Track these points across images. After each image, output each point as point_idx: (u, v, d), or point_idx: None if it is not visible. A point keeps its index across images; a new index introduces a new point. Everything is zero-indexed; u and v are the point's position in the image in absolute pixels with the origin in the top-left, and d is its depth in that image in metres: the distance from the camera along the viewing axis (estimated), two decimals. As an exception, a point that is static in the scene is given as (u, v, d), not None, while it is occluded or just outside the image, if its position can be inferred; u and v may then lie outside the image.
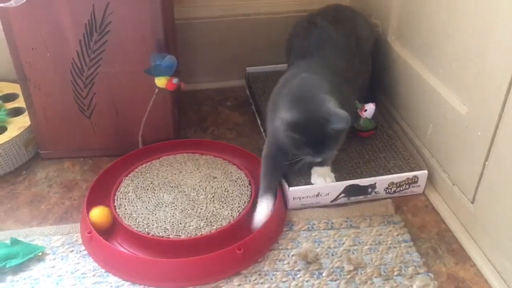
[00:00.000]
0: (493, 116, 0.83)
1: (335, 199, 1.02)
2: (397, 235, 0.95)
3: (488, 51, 0.83)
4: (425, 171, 1.03)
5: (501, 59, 0.80)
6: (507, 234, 0.83)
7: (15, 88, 1.25)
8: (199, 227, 0.92)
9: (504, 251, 0.84)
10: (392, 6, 1.18)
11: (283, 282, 0.87)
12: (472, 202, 0.92)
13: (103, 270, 0.89)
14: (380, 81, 1.28)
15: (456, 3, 0.93)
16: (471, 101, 0.90)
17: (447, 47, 0.98)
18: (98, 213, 0.94)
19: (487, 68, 0.84)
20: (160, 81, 1.04)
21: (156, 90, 1.06)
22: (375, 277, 0.87)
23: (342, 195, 1.02)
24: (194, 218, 0.94)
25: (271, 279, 0.87)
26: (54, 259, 0.91)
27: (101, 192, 1.01)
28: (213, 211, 0.96)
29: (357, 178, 1.02)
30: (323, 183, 1.00)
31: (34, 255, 0.91)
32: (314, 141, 0.90)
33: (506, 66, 0.78)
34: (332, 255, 0.91)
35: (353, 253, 0.92)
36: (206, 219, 0.94)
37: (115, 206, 0.97)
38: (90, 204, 0.96)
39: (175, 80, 1.04)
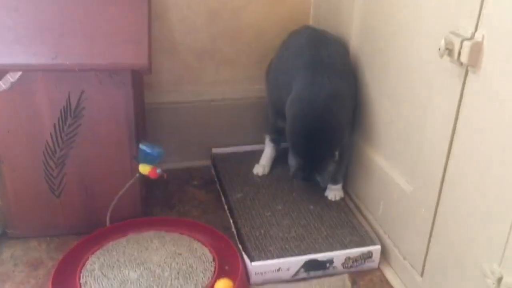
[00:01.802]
0: (433, 194, 0.92)
1: (295, 274, 1.07)
2: None
3: (426, 136, 0.94)
4: (379, 246, 1.11)
5: (436, 145, 0.91)
6: (453, 305, 0.89)
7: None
8: (163, 303, 0.95)
9: (452, 322, 0.90)
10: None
11: None
12: (421, 276, 0.99)
13: None
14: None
15: (397, 95, 1.05)
16: (414, 181, 1.00)
17: (392, 132, 1.09)
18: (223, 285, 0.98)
19: (426, 151, 0.95)
20: (144, 169, 1.10)
21: (137, 175, 1.12)
22: None
23: (302, 270, 1.07)
24: (158, 294, 0.97)
25: None
26: None
27: (67, 270, 1.03)
28: (177, 287, 0.99)
29: (316, 253, 1.07)
30: (334, 197, 1.27)
31: None
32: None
33: (441, 149, 0.89)
34: (293, 329, 0.95)
35: None
36: (171, 295, 0.97)
37: (80, 283, 0.99)
38: (56, 283, 0.98)
39: (158, 170, 1.11)
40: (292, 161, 1.17)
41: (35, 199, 1.15)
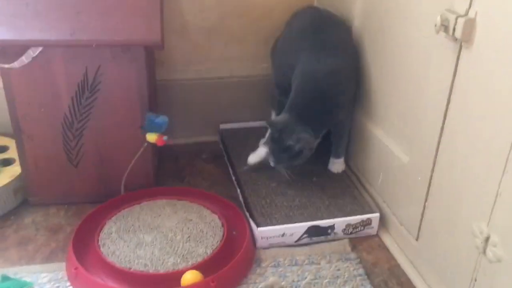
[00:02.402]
0: (429, 163, 0.98)
1: (299, 239, 1.14)
2: (353, 270, 1.07)
3: (422, 110, 1.00)
4: (377, 214, 1.17)
5: (432, 117, 0.96)
6: (446, 265, 0.96)
7: (5, 141, 1.36)
8: (176, 263, 1.02)
9: (445, 281, 0.96)
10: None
11: None
12: (417, 240, 1.06)
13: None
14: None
15: (396, 71, 1.11)
16: (411, 151, 1.06)
17: (391, 106, 1.15)
18: (190, 277, 0.98)
19: (422, 123, 1.01)
20: (151, 137, 1.17)
21: (145, 144, 1.19)
22: (333, 307, 0.99)
23: (305, 235, 1.14)
24: (172, 255, 1.04)
25: None
26: None
27: (86, 234, 1.10)
28: (189, 249, 1.06)
29: (318, 220, 1.14)
30: (336, 170, 1.34)
31: None
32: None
33: (436, 121, 0.95)
34: (296, 287, 1.02)
35: (314, 285, 1.03)
36: (183, 256, 1.04)
37: (99, 245, 1.07)
38: (76, 244, 1.05)
39: (165, 137, 1.17)
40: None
41: (54, 169, 1.22)
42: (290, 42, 1.34)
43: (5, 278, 0.99)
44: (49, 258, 1.09)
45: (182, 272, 0.99)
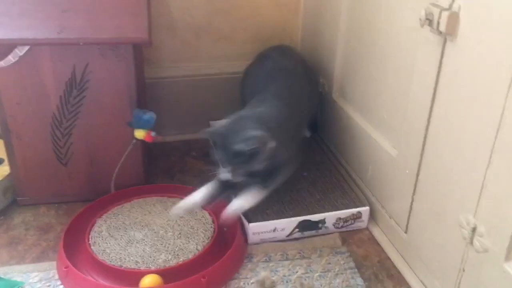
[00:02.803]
0: (416, 156, 0.99)
1: (290, 234, 1.15)
2: (344, 263, 1.08)
3: (408, 104, 1.01)
4: (367, 207, 1.18)
5: (418, 111, 0.97)
6: (435, 257, 0.97)
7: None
8: (167, 259, 1.02)
9: (434, 272, 0.97)
10: (335, 67, 1.37)
11: None
12: (406, 232, 1.07)
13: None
14: (327, 131, 1.46)
15: (384, 64, 1.12)
16: (399, 145, 1.07)
17: (379, 100, 1.16)
18: (149, 281, 0.97)
19: (409, 118, 1.02)
20: (140, 133, 1.17)
21: (134, 141, 1.19)
22: (324, 300, 0.99)
23: (296, 230, 1.15)
24: (162, 252, 1.04)
25: None
26: None
27: (76, 232, 1.10)
28: (180, 245, 1.06)
29: (309, 215, 1.15)
30: (238, 207, 1.10)
31: None
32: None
33: (422, 115, 0.96)
34: (287, 281, 1.03)
35: (305, 279, 1.03)
36: (174, 252, 1.04)
37: (89, 243, 1.06)
38: (67, 242, 1.05)
39: (153, 133, 1.18)
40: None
41: (43, 168, 1.22)
42: (252, 80, 1.37)
43: None
44: (40, 258, 1.09)
45: (174, 269, 1.00)
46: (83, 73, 1.13)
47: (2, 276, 1.00)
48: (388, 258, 1.10)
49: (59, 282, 1.01)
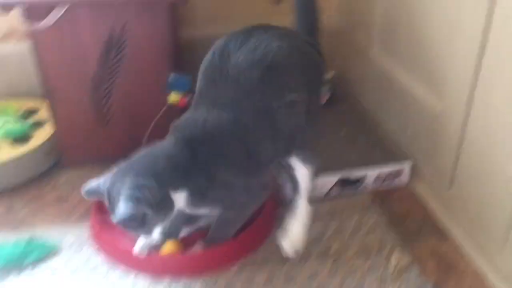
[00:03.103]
0: (463, 109, 0.96)
1: (329, 192, 1.14)
2: (374, 221, 1.07)
3: (455, 54, 0.97)
4: (408, 164, 1.16)
5: (466, 61, 0.94)
6: (482, 212, 0.95)
7: (36, 104, 1.38)
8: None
9: (480, 228, 0.96)
10: (375, 19, 1.33)
11: (278, 268, 0.96)
12: (450, 188, 1.05)
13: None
14: (363, 91, 1.43)
15: (429, 13, 1.07)
16: (444, 98, 1.04)
17: (424, 53, 1.12)
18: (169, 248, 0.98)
19: (455, 69, 0.98)
20: (174, 97, 1.16)
21: (168, 103, 1.19)
22: (356, 257, 0.98)
23: (335, 187, 1.14)
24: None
25: (266, 266, 0.97)
26: (69, 254, 1.01)
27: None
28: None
29: (348, 172, 1.14)
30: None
31: (50, 251, 1.01)
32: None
33: (470, 66, 0.92)
34: (319, 242, 1.02)
35: (336, 239, 1.02)
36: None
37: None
38: (100, 205, 1.05)
39: (188, 98, 1.17)
40: None
41: (85, 129, 1.24)
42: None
43: (31, 240, 1.02)
44: (86, 214, 1.12)
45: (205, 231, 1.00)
46: (120, 33, 1.13)
47: (38, 238, 1.03)
48: (430, 215, 1.09)
49: (92, 244, 1.04)
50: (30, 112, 1.37)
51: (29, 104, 1.40)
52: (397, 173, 1.16)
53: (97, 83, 1.18)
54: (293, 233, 0.98)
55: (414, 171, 1.18)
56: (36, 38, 1.12)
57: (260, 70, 0.87)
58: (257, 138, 0.90)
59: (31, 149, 1.21)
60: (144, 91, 1.21)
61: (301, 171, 0.99)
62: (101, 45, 1.14)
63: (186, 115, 0.92)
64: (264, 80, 0.87)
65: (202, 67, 0.94)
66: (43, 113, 1.32)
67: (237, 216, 0.97)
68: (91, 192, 0.90)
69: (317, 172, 1.01)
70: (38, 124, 1.32)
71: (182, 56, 1.45)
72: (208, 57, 0.93)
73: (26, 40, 1.16)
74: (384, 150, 1.22)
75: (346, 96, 1.47)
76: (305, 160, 0.98)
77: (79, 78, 1.17)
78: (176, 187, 0.84)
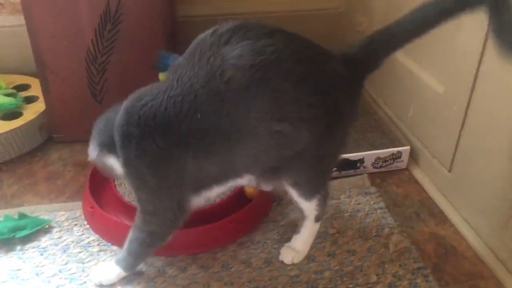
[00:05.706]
0: (466, 91, 0.95)
1: (328, 173, 1.13)
2: (374, 203, 1.06)
3: (459, 36, 0.96)
4: (408, 147, 1.15)
5: (470, 42, 0.92)
6: (482, 195, 0.94)
7: (27, 80, 1.35)
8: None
9: (480, 211, 0.95)
10: (376, 2, 1.31)
11: (274, 248, 0.95)
12: (450, 171, 1.04)
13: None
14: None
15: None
16: (447, 81, 1.02)
17: (427, 36, 1.10)
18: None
19: (459, 51, 0.96)
20: (163, 77, 1.13)
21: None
22: (355, 238, 0.97)
23: (334, 168, 1.12)
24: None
25: (263, 246, 0.96)
26: (60, 231, 0.99)
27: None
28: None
29: (348, 154, 1.12)
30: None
31: (41, 227, 0.98)
32: None
33: (475, 50, 0.90)
34: (318, 222, 1.01)
35: (335, 219, 1.02)
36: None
37: (115, 185, 1.05)
38: (93, 183, 1.03)
39: None
40: None
41: (78, 105, 1.21)
42: None
43: (23, 215, 0.99)
44: (78, 192, 1.09)
45: (201, 209, 0.97)
46: (117, 6, 1.10)
47: (29, 215, 1.00)
48: (430, 198, 1.08)
49: (85, 222, 1.01)
50: (21, 88, 1.33)
51: (21, 79, 1.36)
52: (397, 156, 1.15)
53: (92, 57, 1.15)
54: (296, 248, 0.93)
55: (413, 154, 1.17)
56: (30, 10, 1.08)
57: (248, 78, 0.70)
58: (205, 145, 0.74)
59: (22, 124, 1.18)
60: (140, 68, 1.17)
61: (303, 205, 0.88)
62: (97, 17, 1.10)
63: (152, 85, 0.84)
64: (248, 91, 0.71)
65: (194, 40, 0.81)
66: (35, 89, 1.29)
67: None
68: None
69: (326, 200, 0.89)
70: (29, 100, 1.28)
71: (177, 35, 1.42)
72: (206, 31, 0.80)
73: (19, 11, 1.12)
74: (384, 133, 1.21)
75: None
76: (304, 195, 0.85)
77: (74, 52, 1.14)
78: (108, 151, 0.83)
